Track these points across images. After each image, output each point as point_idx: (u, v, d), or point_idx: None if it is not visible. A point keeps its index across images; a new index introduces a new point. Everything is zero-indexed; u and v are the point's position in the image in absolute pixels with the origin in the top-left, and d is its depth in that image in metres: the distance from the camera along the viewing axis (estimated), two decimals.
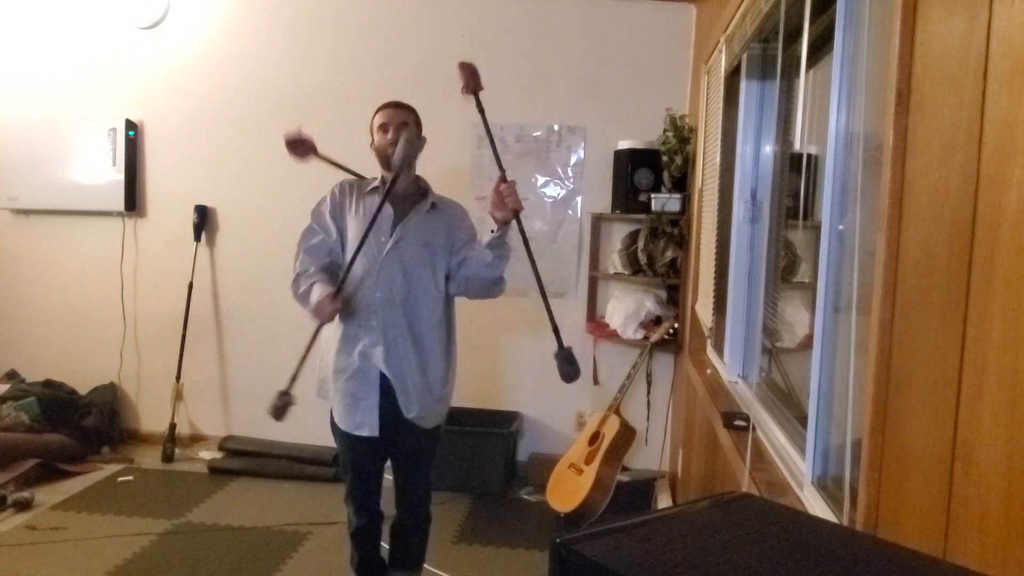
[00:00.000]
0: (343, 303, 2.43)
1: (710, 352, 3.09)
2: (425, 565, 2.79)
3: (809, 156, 2.06)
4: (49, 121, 4.45)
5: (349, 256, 2.46)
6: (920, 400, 1.04)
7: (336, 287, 2.39)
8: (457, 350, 2.66)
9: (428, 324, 2.52)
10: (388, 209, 2.47)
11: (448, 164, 4.16)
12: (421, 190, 2.60)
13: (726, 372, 2.72)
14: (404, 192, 2.53)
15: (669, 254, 3.89)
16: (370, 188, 2.55)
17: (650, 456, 4.13)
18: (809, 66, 1.90)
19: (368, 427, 2.49)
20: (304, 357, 2.42)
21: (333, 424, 2.60)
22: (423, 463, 2.67)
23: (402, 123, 2.50)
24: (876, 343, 1.16)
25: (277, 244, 4.37)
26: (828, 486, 1.57)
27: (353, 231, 2.50)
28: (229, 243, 4.47)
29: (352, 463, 2.63)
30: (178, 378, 4.41)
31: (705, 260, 3.12)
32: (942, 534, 0.94)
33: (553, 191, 4.24)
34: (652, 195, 3.86)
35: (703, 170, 3.37)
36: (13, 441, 3.94)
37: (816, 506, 1.55)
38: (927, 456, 1.01)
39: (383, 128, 2.51)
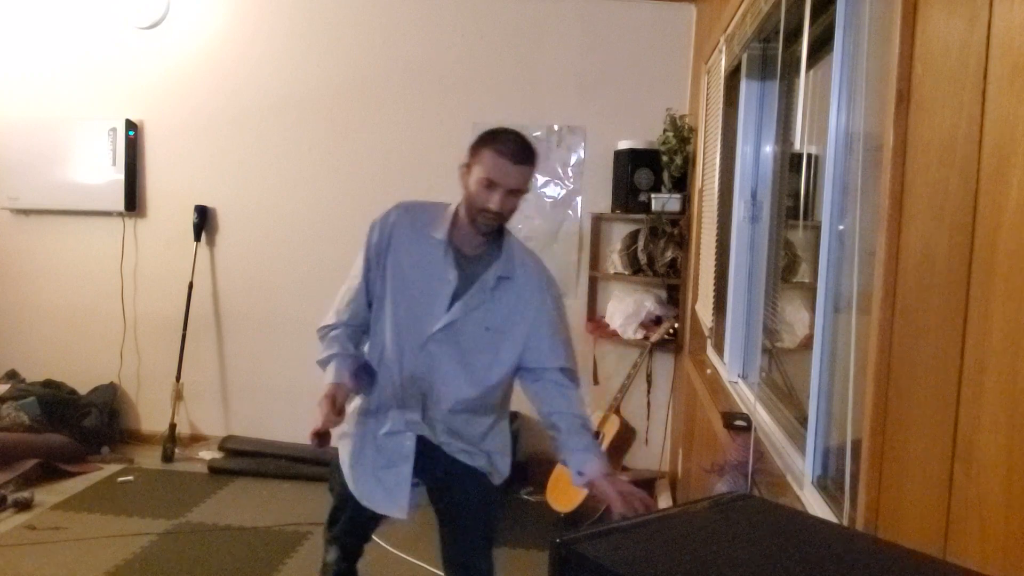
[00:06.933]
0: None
1: (710, 352, 3.09)
2: (425, 564, 2.67)
3: (809, 156, 2.06)
4: (49, 121, 4.45)
5: (385, 316, 1.97)
6: (920, 400, 1.04)
7: (340, 404, 1.92)
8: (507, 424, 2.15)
9: (472, 414, 2.01)
10: (451, 273, 1.93)
11: (447, 164, 4.15)
12: (495, 240, 1.98)
13: (726, 372, 2.72)
14: (475, 248, 1.98)
15: (669, 254, 3.89)
16: (434, 237, 1.94)
17: (650, 456, 4.13)
18: (809, 66, 1.90)
19: (397, 508, 2.01)
20: None
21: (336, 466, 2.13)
22: (478, 525, 2.15)
23: (516, 191, 1.85)
24: (876, 343, 1.16)
25: (277, 244, 4.39)
26: (828, 486, 1.57)
27: (394, 280, 1.97)
28: (229, 243, 4.47)
29: (352, 518, 2.14)
30: (178, 378, 4.41)
31: (705, 260, 3.12)
32: (942, 534, 0.94)
33: (553, 191, 4.24)
34: (652, 195, 3.86)
35: (703, 170, 3.37)
36: (13, 441, 3.94)
37: (816, 506, 1.55)
38: (927, 456, 1.01)
39: (489, 185, 1.82)
